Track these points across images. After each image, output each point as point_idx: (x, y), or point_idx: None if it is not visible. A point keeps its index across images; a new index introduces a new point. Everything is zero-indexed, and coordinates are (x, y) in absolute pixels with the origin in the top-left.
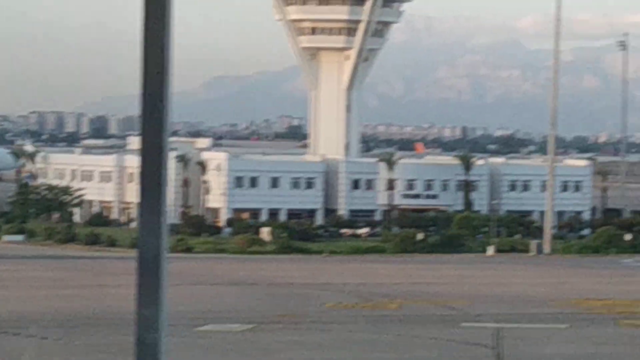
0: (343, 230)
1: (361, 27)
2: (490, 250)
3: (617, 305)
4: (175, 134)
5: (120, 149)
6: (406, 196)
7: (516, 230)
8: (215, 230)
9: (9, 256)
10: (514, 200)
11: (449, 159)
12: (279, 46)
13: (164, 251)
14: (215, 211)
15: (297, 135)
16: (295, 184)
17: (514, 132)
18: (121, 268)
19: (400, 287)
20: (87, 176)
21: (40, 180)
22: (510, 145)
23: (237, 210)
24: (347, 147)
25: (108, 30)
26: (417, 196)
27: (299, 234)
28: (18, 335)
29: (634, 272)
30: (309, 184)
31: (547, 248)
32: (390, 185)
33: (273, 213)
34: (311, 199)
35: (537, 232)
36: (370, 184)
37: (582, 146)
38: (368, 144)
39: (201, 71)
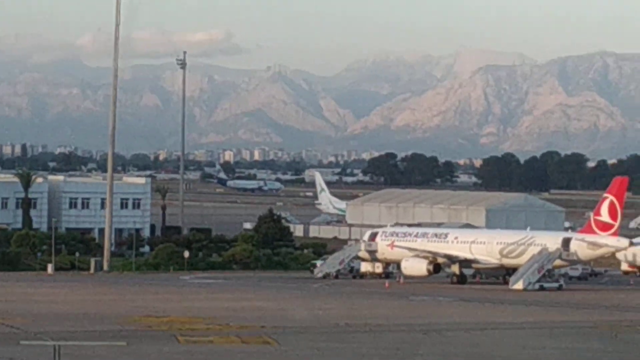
0: None
1: None
2: (50, 269)
3: (176, 322)
4: None
5: None
6: None
7: (76, 248)
8: None
9: None
10: (74, 217)
11: (9, 177)
12: None
13: None
14: None
15: None
16: None
17: (74, 150)
18: None
19: None
20: None
21: None
22: (70, 162)
23: None
24: None
25: None
26: None
27: None
28: None
29: (192, 289)
30: None
31: (106, 265)
32: None
33: None
34: None
35: (98, 249)
36: None
37: (142, 164)
38: None
39: None
